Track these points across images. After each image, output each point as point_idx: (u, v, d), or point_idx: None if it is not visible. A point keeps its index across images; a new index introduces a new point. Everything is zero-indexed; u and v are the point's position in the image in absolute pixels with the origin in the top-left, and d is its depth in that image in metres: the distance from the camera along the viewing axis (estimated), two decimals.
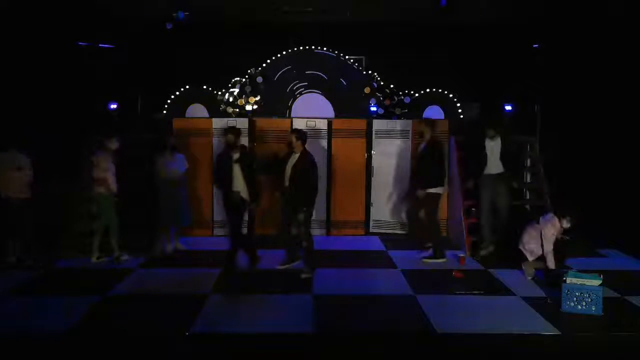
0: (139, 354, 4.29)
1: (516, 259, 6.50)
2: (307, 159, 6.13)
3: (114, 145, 6.59)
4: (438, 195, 6.82)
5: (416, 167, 7.06)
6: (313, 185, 6.17)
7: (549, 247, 5.79)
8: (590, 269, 5.54)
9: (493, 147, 6.84)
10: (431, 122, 6.97)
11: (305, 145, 6.19)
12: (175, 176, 6.91)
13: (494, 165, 6.83)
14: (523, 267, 6.07)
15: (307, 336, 4.53)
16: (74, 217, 7.32)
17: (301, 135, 6.21)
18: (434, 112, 8.97)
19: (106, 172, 6.48)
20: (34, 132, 7.16)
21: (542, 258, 5.86)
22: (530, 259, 5.95)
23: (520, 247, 6.02)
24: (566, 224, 5.80)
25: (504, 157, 6.79)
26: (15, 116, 7.45)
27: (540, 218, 5.99)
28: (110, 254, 6.66)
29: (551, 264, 5.78)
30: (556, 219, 5.83)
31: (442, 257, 6.73)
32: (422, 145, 6.91)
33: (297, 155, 6.12)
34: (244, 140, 7.92)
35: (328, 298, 5.40)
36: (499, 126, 6.94)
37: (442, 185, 6.80)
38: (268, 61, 8.99)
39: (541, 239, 5.82)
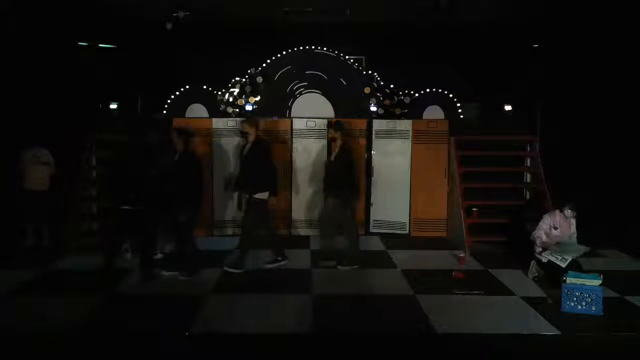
0: (139, 354, 4.29)
1: (516, 259, 6.54)
2: (188, 159, 5.91)
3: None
4: (264, 202, 6.17)
5: (241, 170, 6.32)
6: (193, 186, 5.87)
7: (537, 233, 5.92)
8: (590, 269, 5.55)
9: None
10: (255, 121, 6.34)
11: (190, 144, 5.99)
12: None
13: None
14: (530, 266, 6.09)
15: (307, 336, 4.53)
16: (76, 216, 7.32)
17: (182, 133, 5.99)
18: (434, 112, 8.98)
19: None
20: (34, 131, 7.21)
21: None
22: (537, 250, 5.97)
23: (532, 238, 6.09)
24: (568, 212, 5.84)
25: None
26: (15, 116, 7.46)
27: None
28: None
29: (536, 247, 5.90)
30: (556, 211, 5.90)
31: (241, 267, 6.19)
32: (247, 146, 6.26)
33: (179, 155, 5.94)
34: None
35: (328, 298, 5.40)
36: (339, 129, 6.42)
37: (269, 189, 6.17)
38: (268, 61, 8.99)
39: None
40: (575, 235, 5.96)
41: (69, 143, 7.61)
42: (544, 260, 5.79)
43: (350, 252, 6.45)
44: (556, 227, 5.87)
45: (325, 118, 8.24)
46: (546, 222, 5.91)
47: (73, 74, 8.72)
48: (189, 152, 6.03)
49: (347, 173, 6.29)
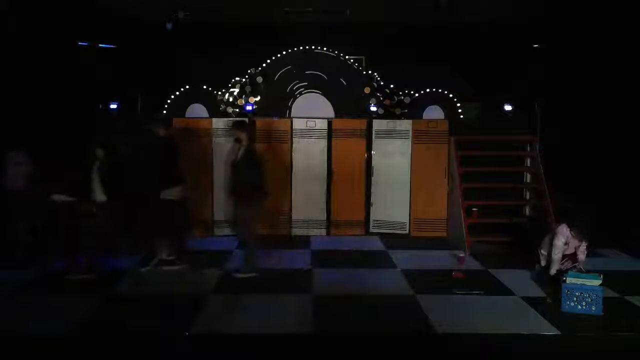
0: (139, 354, 4.29)
1: (516, 259, 6.54)
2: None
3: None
4: (173, 202, 6.13)
5: (147, 168, 6.10)
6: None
7: (555, 255, 5.63)
8: (590, 269, 5.55)
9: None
10: (162, 123, 6.26)
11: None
12: None
13: None
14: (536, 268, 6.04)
15: (307, 336, 4.53)
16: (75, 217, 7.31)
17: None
18: (434, 112, 8.98)
19: None
20: (34, 132, 7.21)
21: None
22: (542, 263, 5.90)
23: (537, 251, 5.99)
24: (574, 233, 5.59)
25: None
26: (16, 116, 7.46)
27: (558, 226, 5.81)
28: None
29: (553, 270, 5.65)
30: (566, 228, 5.64)
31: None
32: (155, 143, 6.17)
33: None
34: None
35: (328, 298, 5.40)
36: (245, 129, 6.14)
37: (176, 187, 6.12)
38: (268, 61, 8.99)
39: (551, 246, 5.72)
40: (583, 254, 5.75)
41: (68, 143, 7.60)
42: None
43: (247, 258, 6.20)
44: (567, 242, 5.67)
45: (325, 118, 8.26)
46: (561, 240, 5.62)
47: (73, 74, 8.71)
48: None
49: (252, 175, 6.02)
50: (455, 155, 7.73)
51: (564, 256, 5.73)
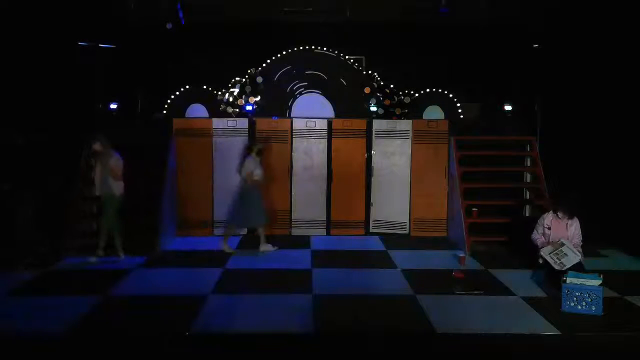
0: (139, 354, 4.29)
1: (515, 259, 6.54)
2: None
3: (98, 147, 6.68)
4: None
5: None
6: None
7: (534, 235, 6.00)
8: (591, 269, 5.55)
9: None
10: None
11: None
12: (259, 180, 7.06)
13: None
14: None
15: (307, 336, 4.53)
16: (75, 216, 7.31)
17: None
18: (434, 112, 8.98)
19: (115, 172, 6.52)
20: (33, 132, 7.20)
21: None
22: (537, 242, 6.04)
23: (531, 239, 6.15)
24: (560, 214, 5.86)
25: None
26: (15, 116, 7.46)
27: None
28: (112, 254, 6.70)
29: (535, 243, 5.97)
30: (549, 212, 5.97)
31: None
32: None
33: None
34: (244, 141, 7.99)
35: (328, 298, 5.40)
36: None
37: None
38: (268, 61, 8.99)
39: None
40: (577, 238, 5.83)
41: (68, 143, 7.61)
42: (540, 261, 5.78)
43: None
44: (549, 227, 5.88)
45: (325, 118, 8.26)
46: (541, 223, 5.97)
47: (73, 74, 8.70)
48: None
49: None
50: (455, 155, 7.72)
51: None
